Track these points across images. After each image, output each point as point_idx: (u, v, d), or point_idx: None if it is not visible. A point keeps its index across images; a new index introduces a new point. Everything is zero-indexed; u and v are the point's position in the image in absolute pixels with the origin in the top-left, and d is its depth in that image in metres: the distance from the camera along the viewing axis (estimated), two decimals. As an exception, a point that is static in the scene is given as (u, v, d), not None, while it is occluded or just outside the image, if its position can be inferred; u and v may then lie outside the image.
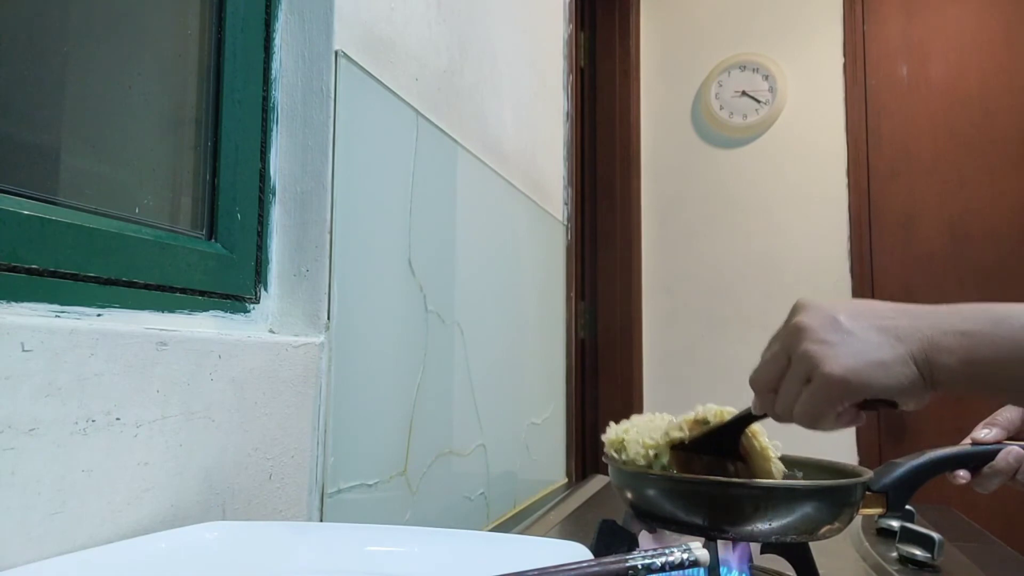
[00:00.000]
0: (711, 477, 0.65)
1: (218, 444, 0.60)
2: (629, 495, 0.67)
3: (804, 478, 0.71)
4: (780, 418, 0.57)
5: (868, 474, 0.65)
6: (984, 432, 0.64)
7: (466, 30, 1.08)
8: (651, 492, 0.64)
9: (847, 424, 0.56)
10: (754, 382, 0.59)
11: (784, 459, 0.74)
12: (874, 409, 0.55)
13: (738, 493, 0.61)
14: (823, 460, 0.72)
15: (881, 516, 0.96)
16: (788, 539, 0.62)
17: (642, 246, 2.32)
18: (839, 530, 0.63)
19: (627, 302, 2.23)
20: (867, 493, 0.64)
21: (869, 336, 0.52)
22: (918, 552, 0.84)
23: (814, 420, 0.55)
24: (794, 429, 0.62)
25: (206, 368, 0.59)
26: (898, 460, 0.65)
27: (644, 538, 0.71)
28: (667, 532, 0.68)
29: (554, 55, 1.57)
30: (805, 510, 0.60)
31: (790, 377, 0.55)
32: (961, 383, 0.51)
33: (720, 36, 2.32)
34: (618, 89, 2.27)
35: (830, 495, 0.62)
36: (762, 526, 0.60)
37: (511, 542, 0.58)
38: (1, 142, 0.51)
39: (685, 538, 0.56)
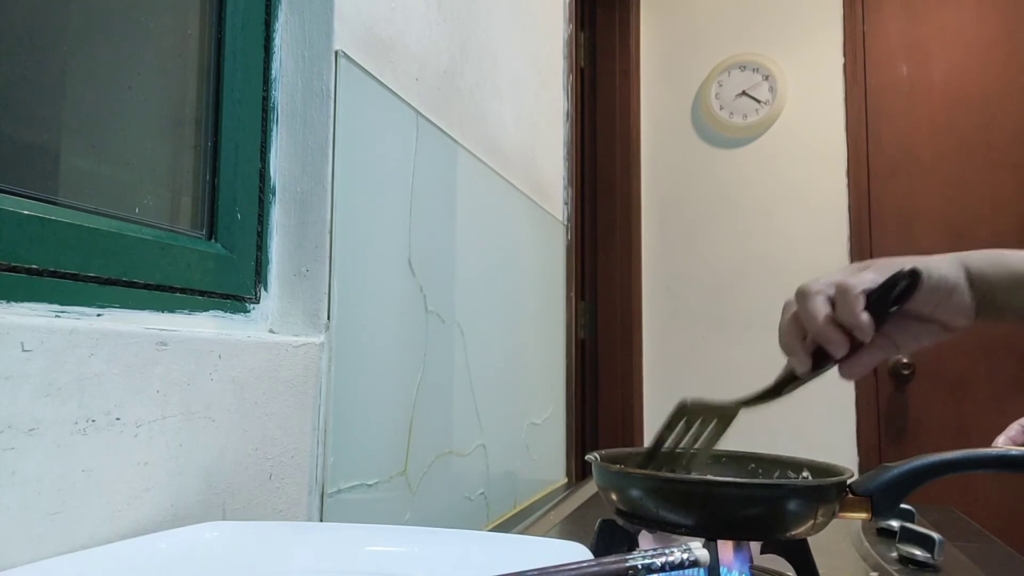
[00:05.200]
0: (682, 476, 0.65)
1: (218, 444, 0.60)
2: (614, 496, 0.66)
3: (794, 478, 0.70)
4: (847, 328, 0.60)
5: (847, 474, 0.63)
6: None
7: (466, 30, 1.08)
8: (635, 492, 0.63)
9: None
10: (784, 343, 0.64)
11: (780, 459, 0.73)
12: (903, 298, 0.57)
13: (699, 491, 0.61)
14: (815, 461, 0.71)
15: (868, 521, 0.95)
16: (742, 537, 0.61)
17: (642, 246, 2.32)
18: (819, 527, 0.61)
19: (627, 302, 2.23)
20: (850, 497, 0.62)
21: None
22: (918, 552, 0.84)
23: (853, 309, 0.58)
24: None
25: (206, 368, 0.59)
26: (890, 464, 0.63)
27: (644, 538, 0.71)
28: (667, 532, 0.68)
29: (554, 55, 1.57)
30: (770, 508, 0.60)
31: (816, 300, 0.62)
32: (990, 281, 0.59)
33: (720, 36, 2.32)
34: (618, 89, 2.27)
35: (804, 495, 0.60)
36: (719, 521, 0.60)
37: (511, 542, 0.58)
38: (1, 142, 0.51)
39: (685, 538, 0.56)
